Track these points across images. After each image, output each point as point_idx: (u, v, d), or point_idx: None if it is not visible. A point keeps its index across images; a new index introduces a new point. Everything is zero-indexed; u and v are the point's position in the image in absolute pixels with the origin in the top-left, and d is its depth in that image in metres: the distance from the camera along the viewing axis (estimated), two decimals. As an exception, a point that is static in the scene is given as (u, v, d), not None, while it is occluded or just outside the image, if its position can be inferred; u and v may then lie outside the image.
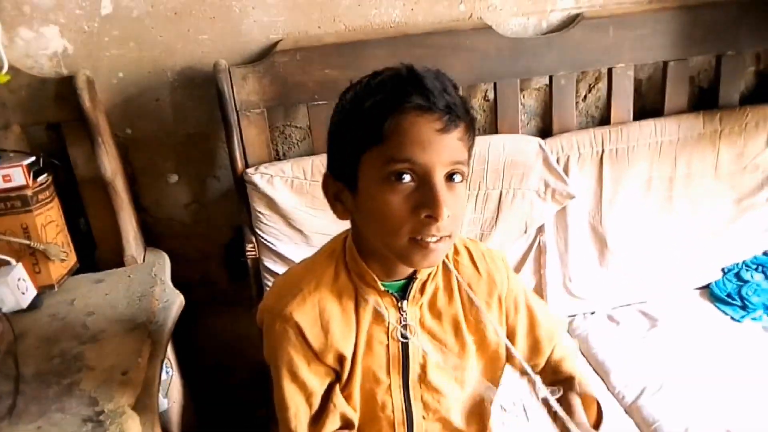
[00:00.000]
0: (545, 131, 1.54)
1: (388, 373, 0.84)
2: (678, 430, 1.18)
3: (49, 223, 1.16)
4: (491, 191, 1.41)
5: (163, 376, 1.13)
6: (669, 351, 1.38)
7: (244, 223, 1.37)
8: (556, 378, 0.95)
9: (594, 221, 1.52)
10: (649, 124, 1.49)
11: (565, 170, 1.45)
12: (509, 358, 0.90)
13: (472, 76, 1.41)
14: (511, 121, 1.46)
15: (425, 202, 0.69)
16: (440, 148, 0.70)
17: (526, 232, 1.47)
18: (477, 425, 0.93)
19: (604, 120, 1.55)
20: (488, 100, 1.53)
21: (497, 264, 0.90)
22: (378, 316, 0.82)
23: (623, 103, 1.51)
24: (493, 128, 1.48)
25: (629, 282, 1.56)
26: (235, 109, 1.29)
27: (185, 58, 1.31)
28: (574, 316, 1.57)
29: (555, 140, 1.45)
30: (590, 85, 1.59)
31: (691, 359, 1.35)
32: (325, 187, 0.80)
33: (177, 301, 1.16)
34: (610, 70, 1.48)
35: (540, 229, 1.49)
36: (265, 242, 1.35)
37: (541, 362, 0.96)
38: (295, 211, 1.32)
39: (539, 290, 1.53)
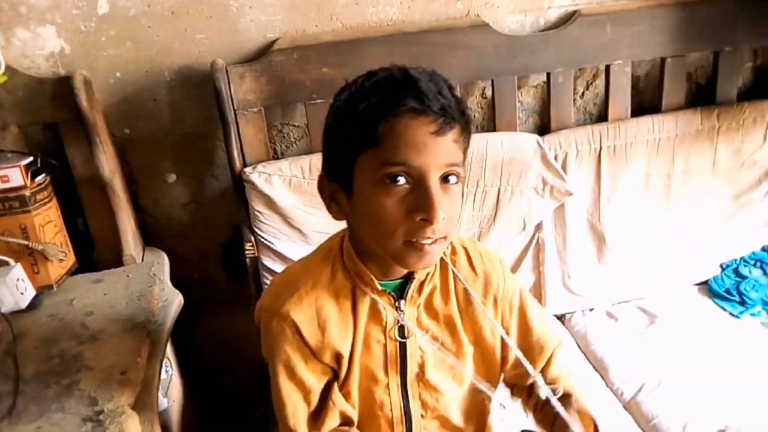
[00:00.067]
0: (543, 128, 1.54)
1: (386, 371, 0.85)
2: (677, 425, 1.18)
3: (47, 223, 1.16)
4: (489, 189, 1.41)
5: (163, 375, 1.13)
6: (668, 347, 1.39)
7: (243, 222, 1.37)
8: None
9: (592, 218, 1.52)
10: (646, 121, 1.49)
11: (563, 167, 1.45)
12: (503, 361, 0.90)
13: (470, 73, 1.41)
14: (509, 119, 1.46)
15: (420, 205, 0.69)
16: (435, 150, 0.69)
17: (524, 229, 1.47)
18: (476, 423, 0.93)
19: (602, 117, 1.55)
20: (486, 98, 1.53)
21: (494, 264, 0.90)
22: (375, 315, 0.82)
23: (621, 100, 1.51)
24: (490, 126, 1.48)
25: (628, 278, 1.57)
26: (233, 108, 1.29)
27: (182, 58, 1.31)
28: (573, 312, 1.58)
29: (553, 137, 1.45)
30: (588, 82, 1.59)
31: (690, 355, 1.36)
32: (321, 188, 0.80)
33: (176, 300, 1.17)
34: (607, 67, 1.48)
35: (538, 227, 1.49)
36: (263, 241, 1.35)
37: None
38: (294, 210, 1.32)
39: (538, 287, 1.54)
